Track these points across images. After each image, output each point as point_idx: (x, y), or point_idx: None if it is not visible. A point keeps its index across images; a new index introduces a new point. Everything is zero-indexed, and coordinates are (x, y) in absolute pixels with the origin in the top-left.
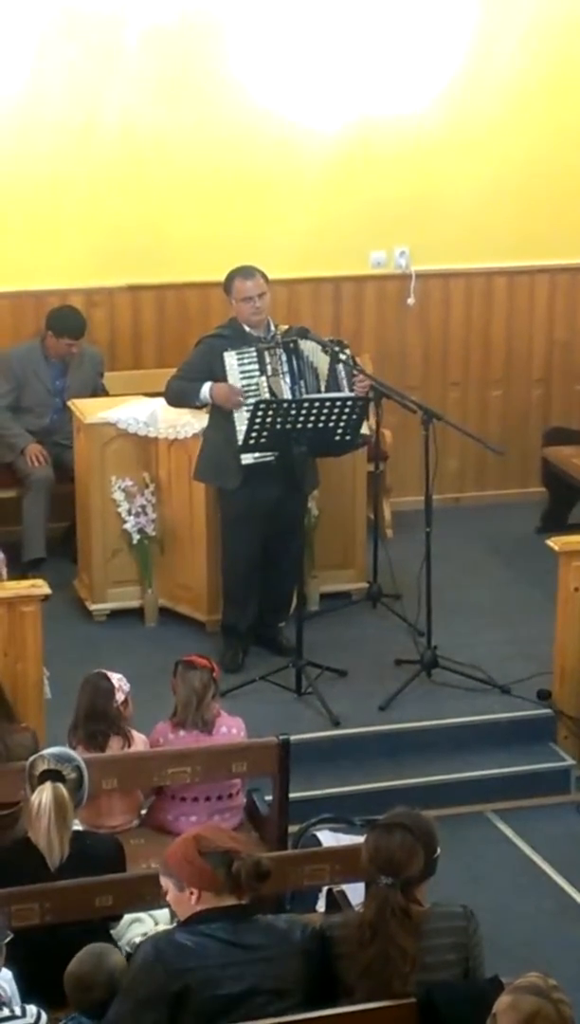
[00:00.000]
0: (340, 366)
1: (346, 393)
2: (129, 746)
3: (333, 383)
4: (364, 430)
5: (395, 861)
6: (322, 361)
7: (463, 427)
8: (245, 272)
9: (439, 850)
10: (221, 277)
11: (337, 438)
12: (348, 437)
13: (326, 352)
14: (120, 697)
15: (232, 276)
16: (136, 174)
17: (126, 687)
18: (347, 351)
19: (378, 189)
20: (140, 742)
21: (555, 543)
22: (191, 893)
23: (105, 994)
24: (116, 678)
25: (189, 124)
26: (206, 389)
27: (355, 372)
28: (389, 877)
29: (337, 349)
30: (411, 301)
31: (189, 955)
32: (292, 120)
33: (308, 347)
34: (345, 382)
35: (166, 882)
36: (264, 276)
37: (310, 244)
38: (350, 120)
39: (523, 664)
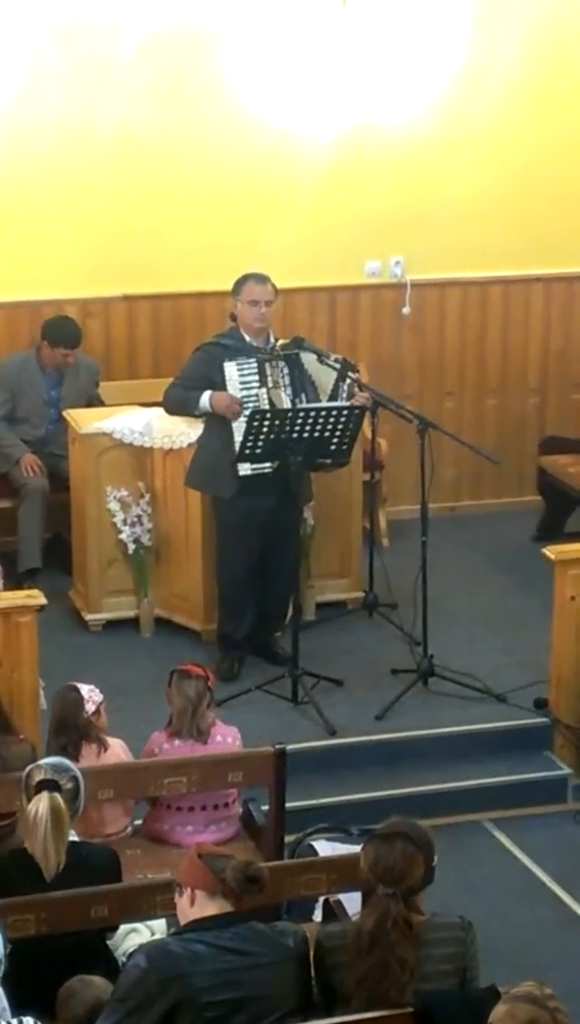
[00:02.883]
0: (345, 384)
1: (341, 403)
2: (104, 752)
3: (335, 397)
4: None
5: (396, 871)
6: (323, 374)
7: (459, 436)
8: (258, 277)
9: (437, 859)
10: (217, 287)
11: (333, 447)
12: (344, 447)
13: (322, 362)
14: (90, 708)
15: (245, 278)
16: (131, 184)
17: (97, 697)
18: (356, 373)
19: (373, 199)
20: (118, 748)
21: (551, 552)
22: (188, 896)
23: (89, 1014)
24: (86, 689)
25: (184, 133)
26: (206, 398)
27: (357, 390)
28: (390, 887)
29: (346, 369)
30: (406, 310)
31: (181, 962)
32: (287, 129)
33: (309, 360)
34: (344, 397)
35: (176, 893)
36: (274, 286)
37: (305, 254)
38: (345, 129)
39: (519, 673)
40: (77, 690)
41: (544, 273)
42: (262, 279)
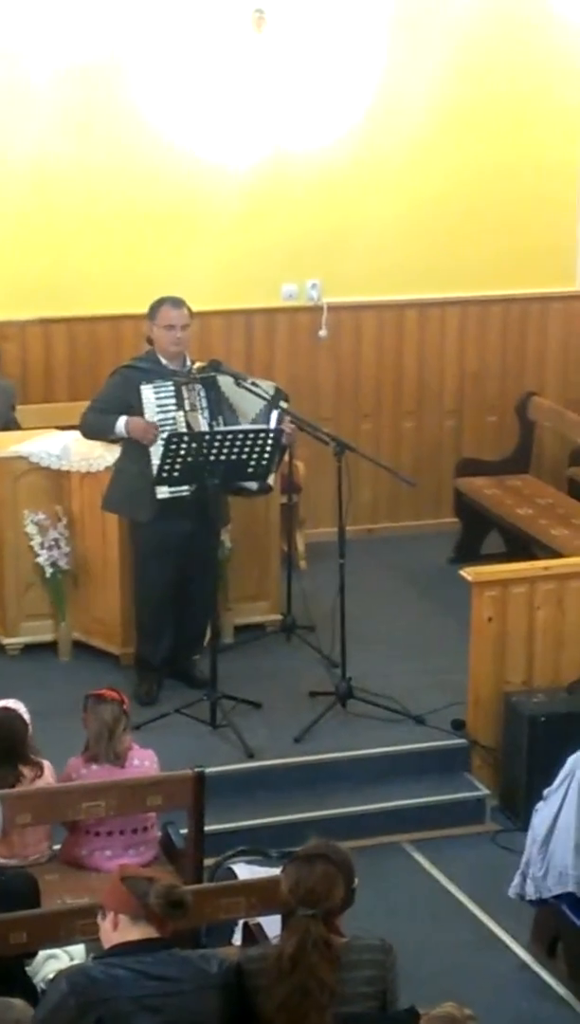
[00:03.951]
0: (275, 413)
1: (258, 425)
2: (41, 774)
3: (262, 422)
4: (270, 480)
5: (316, 892)
6: (241, 398)
7: (376, 458)
8: (174, 301)
9: (357, 880)
10: (133, 310)
11: (250, 470)
12: (261, 469)
13: (239, 385)
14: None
15: (160, 302)
16: (46, 208)
17: (27, 715)
18: (287, 403)
19: (289, 222)
20: (48, 771)
21: (468, 573)
22: (111, 920)
23: None
24: (19, 706)
25: (101, 158)
26: (122, 423)
27: (287, 420)
28: (310, 908)
29: (278, 398)
30: (323, 333)
31: (102, 987)
32: (204, 154)
33: (226, 383)
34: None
35: (99, 917)
36: (189, 310)
37: (222, 277)
38: (262, 154)
39: (437, 694)
40: (15, 710)
41: (459, 296)
42: (177, 303)
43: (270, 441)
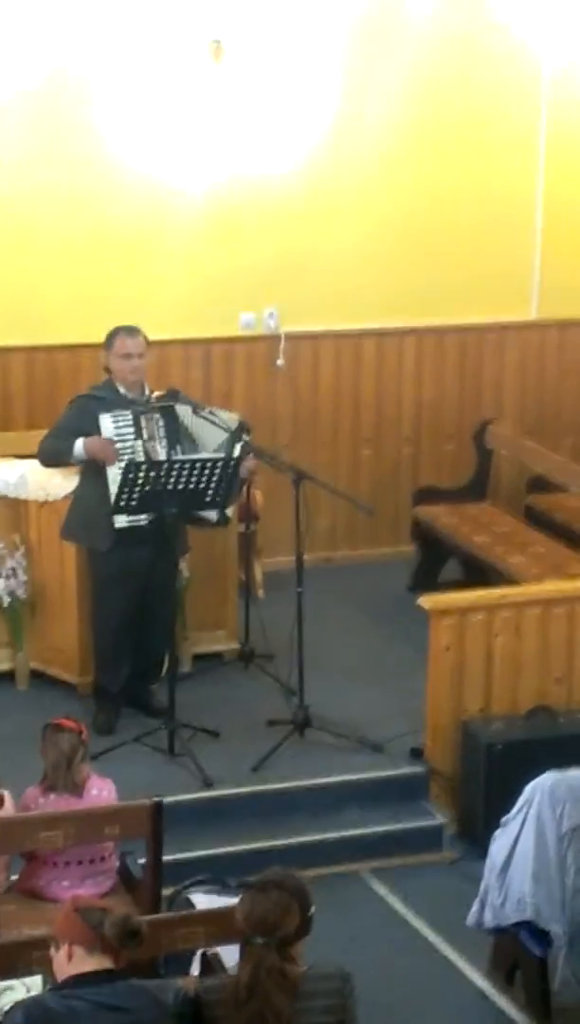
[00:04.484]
0: (239, 445)
1: (215, 455)
2: (1, 805)
3: (225, 453)
4: (228, 511)
5: (269, 921)
6: (199, 427)
7: (333, 487)
8: (129, 329)
9: (314, 908)
10: (91, 339)
11: (208, 499)
12: (218, 498)
13: (197, 414)
14: None
15: (116, 331)
16: (4, 235)
17: None
18: (249, 435)
19: (247, 251)
20: (8, 800)
21: (426, 601)
22: (65, 951)
23: None
24: None
25: (58, 190)
26: (80, 444)
27: (248, 454)
28: (264, 937)
29: (241, 430)
30: (280, 362)
31: (58, 1019)
32: (161, 182)
33: (184, 412)
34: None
35: (52, 948)
36: (146, 338)
37: (180, 306)
38: (219, 182)
39: (396, 722)
40: None
41: (416, 325)
42: (133, 331)
43: (229, 470)
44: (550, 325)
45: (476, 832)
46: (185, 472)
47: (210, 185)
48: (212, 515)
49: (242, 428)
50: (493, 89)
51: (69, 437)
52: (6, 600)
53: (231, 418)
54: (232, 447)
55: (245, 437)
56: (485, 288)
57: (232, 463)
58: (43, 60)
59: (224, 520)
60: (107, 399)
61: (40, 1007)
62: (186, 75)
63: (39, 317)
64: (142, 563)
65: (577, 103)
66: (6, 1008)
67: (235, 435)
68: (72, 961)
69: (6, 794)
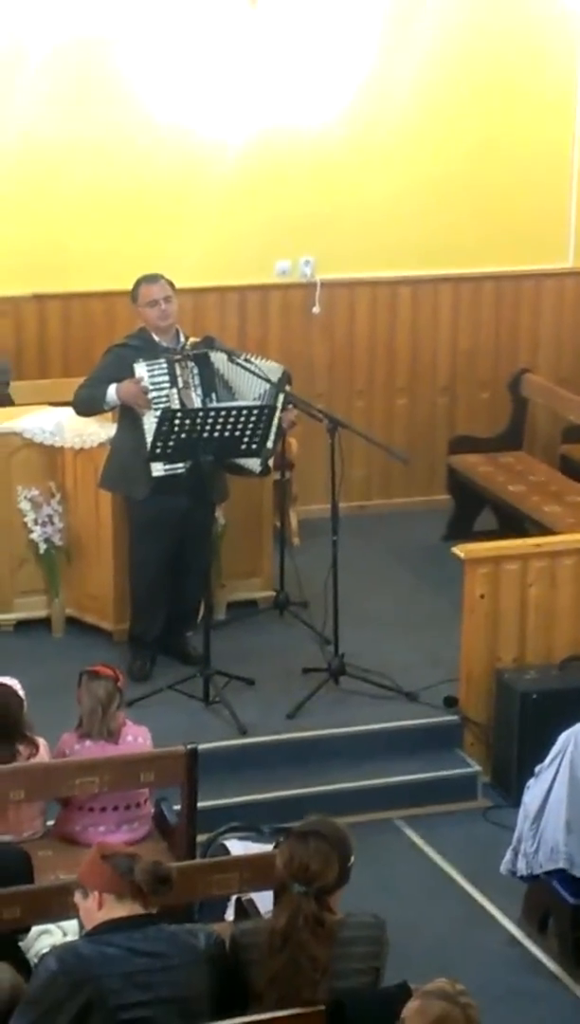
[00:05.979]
0: (281, 396)
1: (251, 403)
2: (37, 752)
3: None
4: (270, 462)
5: (310, 870)
6: (235, 374)
7: (368, 435)
8: (149, 277)
9: (353, 858)
10: (126, 287)
11: (244, 447)
12: (254, 445)
13: (233, 361)
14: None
15: (137, 283)
16: (41, 186)
17: (22, 691)
18: (290, 386)
19: (283, 199)
20: (44, 748)
21: (461, 551)
22: (95, 899)
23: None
24: (13, 683)
25: (93, 136)
26: (113, 390)
27: (290, 407)
28: (303, 885)
29: (284, 381)
30: (316, 310)
31: (92, 965)
32: (197, 131)
33: (219, 360)
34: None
35: (77, 895)
36: (170, 282)
37: (215, 254)
38: (255, 131)
39: (430, 671)
40: (10, 686)
41: (452, 273)
42: (153, 278)
43: (264, 418)
44: None
45: (509, 781)
46: (221, 420)
47: (246, 134)
48: (255, 467)
49: (285, 378)
50: (529, 39)
51: (103, 385)
52: (42, 547)
53: (273, 368)
54: (275, 398)
55: (287, 388)
56: (521, 236)
57: (266, 411)
58: (75, 8)
59: (266, 471)
60: (142, 348)
61: (73, 953)
62: (221, 22)
63: (75, 266)
64: (178, 511)
65: None
66: (42, 952)
67: (278, 385)
68: (103, 908)
69: (41, 741)
